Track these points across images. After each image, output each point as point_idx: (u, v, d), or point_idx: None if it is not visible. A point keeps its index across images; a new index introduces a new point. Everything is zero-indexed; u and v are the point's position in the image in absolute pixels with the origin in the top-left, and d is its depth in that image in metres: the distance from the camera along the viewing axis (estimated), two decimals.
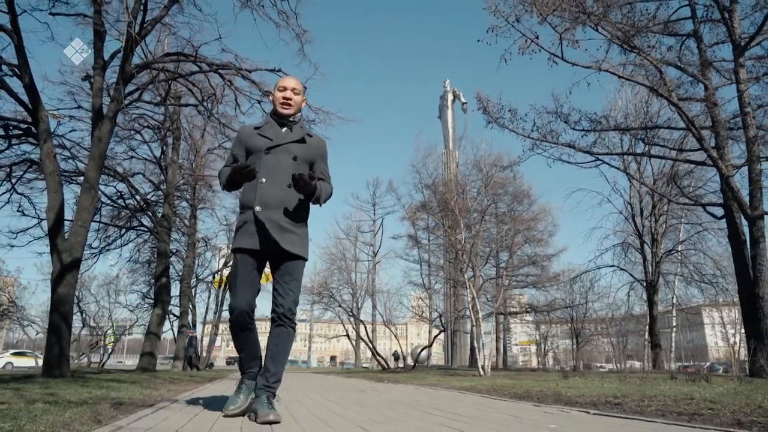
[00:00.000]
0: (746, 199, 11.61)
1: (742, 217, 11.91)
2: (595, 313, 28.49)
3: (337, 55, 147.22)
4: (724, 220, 13.10)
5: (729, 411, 3.02)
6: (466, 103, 55.27)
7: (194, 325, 24.40)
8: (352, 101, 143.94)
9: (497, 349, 37.15)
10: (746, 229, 11.84)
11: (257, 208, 2.64)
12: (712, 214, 14.41)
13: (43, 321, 26.02)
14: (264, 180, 2.68)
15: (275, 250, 2.67)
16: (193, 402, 3.62)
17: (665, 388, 5.03)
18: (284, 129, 2.83)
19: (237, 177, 2.65)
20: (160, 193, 15.84)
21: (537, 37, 10.63)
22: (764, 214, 11.49)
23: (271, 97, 2.96)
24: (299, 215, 2.76)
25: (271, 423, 2.41)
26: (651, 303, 20.34)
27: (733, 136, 13.84)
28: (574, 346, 27.98)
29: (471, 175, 26.47)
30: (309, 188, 2.65)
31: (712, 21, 13.95)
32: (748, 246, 11.58)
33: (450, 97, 65.78)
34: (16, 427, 2.12)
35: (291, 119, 2.85)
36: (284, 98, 2.82)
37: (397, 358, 22.96)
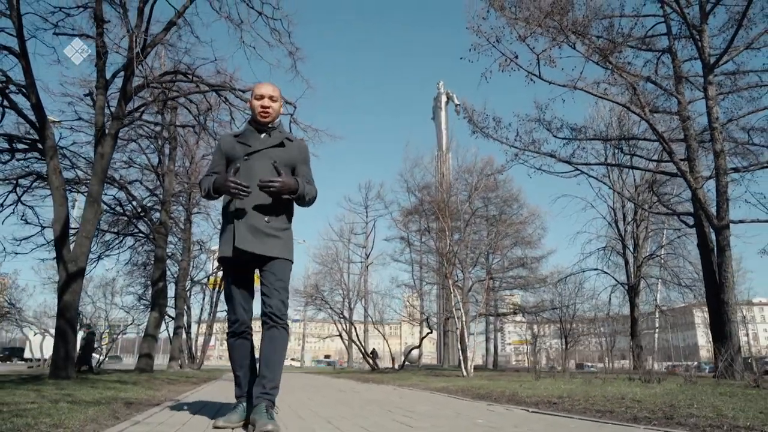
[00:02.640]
0: (714, 209, 12.30)
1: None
2: (585, 314, 29.37)
3: (334, 58, 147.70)
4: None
5: (639, 409, 3.65)
6: (459, 104, 55.86)
7: (189, 326, 24.96)
8: (349, 104, 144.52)
9: (487, 350, 37.93)
10: (714, 237, 12.53)
11: (237, 216, 2.67)
12: (685, 223, 15.10)
13: (39, 322, 26.51)
14: None
15: (256, 257, 2.68)
16: (194, 401, 4.22)
17: (612, 389, 5.66)
18: (263, 135, 2.86)
19: (223, 190, 2.67)
20: (155, 198, 16.41)
21: (516, 57, 11.30)
22: (730, 224, 12.18)
23: (249, 105, 2.98)
24: (281, 219, 2.77)
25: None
26: (632, 305, 21.10)
27: (707, 147, 14.54)
28: (563, 347, 28.77)
29: (460, 179, 27.21)
30: (284, 188, 2.66)
31: (686, 37, 14.62)
32: (715, 254, 12.27)
33: (444, 98, 66.40)
34: (57, 420, 2.70)
35: (270, 125, 2.89)
36: (262, 107, 2.84)
37: (375, 357, 23.60)
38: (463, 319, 14.03)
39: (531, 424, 2.97)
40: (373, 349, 26.24)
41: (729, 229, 12.02)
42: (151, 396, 4.82)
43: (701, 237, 12.98)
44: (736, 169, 13.53)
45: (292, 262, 2.81)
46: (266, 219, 2.69)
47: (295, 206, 2.94)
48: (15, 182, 10.62)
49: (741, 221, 13.04)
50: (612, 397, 4.68)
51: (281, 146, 2.84)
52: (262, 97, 2.85)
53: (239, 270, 2.75)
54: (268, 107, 2.84)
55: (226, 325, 2.86)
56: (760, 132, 14.29)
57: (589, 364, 46.73)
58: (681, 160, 13.31)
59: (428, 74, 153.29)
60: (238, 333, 2.76)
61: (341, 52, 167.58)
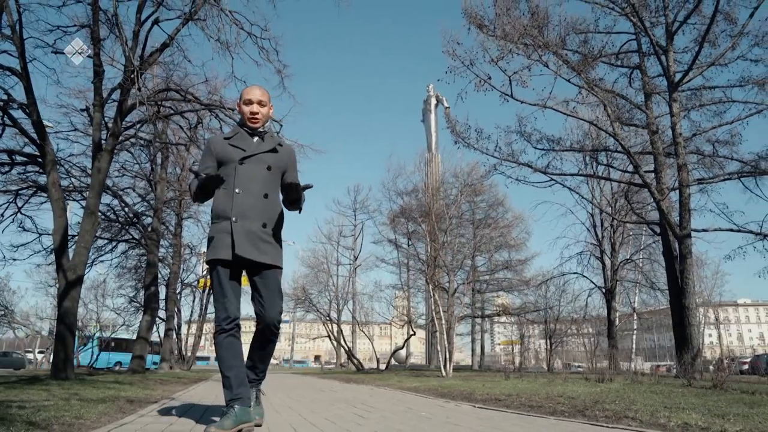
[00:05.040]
0: (677, 219, 13.08)
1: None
2: (569, 316, 30.28)
3: (327, 58, 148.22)
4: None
5: (565, 404, 4.33)
6: (449, 107, 56.46)
7: (179, 327, 25.48)
8: (339, 105, 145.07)
9: (473, 350, 38.74)
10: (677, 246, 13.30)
11: (233, 219, 2.68)
12: (654, 230, 15.89)
13: (32, 323, 26.92)
14: (239, 191, 2.72)
15: (251, 262, 2.72)
16: (187, 399, 4.85)
17: (560, 388, 6.36)
18: (256, 139, 2.89)
19: (209, 184, 2.70)
20: (147, 204, 16.96)
21: (489, 78, 12.00)
22: (692, 233, 12.97)
23: (238, 108, 2.99)
24: (275, 226, 2.82)
25: (256, 425, 2.74)
26: (609, 308, 21.95)
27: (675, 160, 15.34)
28: (548, 347, 29.64)
29: (447, 182, 27.96)
30: (297, 193, 2.75)
31: (654, 55, 15.39)
32: (678, 261, 13.05)
33: (433, 101, 67.14)
34: (77, 413, 3.32)
35: (261, 129, 2.92)
36: (251, 113, 2.86)
37: (353, 356, 24.35)
38: (443, 321, 14.71)
39: (461, 415, 3.64)
40: (349, 348, 26.92)
41: (690, 238, 12.82)
42: (149, 394, 5.43)
43: (666, 245, 13.77)
44: (700, 180, 14.34)
45: (282, 269, 2.90)
46: (262, 224, 2.76)
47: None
48: (15, 193, 11.16)
49: (704, 230, 13.88)
50: (554, 395, 5.37)
51: (274, 152, 2.90)
52: (250, 102, 2.88)
53: (231, 270, 2.75)
54: (257, 113, 2.87)
55: (214, 324, 2.81)
56: (724, 144, 15.14)
57: (576, 364, 47.64)
58: (648, 171, 14.10)
59: (419, 76, 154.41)
60: (227, 330, 2.69)
61: (334, 53, 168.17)
